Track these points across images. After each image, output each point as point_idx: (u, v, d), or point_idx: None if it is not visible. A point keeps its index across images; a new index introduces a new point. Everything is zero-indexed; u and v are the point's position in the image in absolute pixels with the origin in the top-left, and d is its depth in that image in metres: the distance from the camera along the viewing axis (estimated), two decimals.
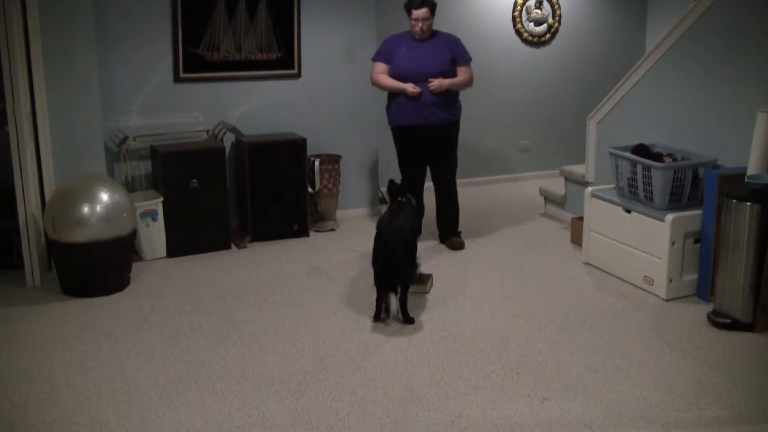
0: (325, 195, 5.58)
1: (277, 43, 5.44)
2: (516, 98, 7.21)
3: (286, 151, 5.29)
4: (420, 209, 5.06)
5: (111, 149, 5.05)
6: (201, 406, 3.08)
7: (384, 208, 4.78)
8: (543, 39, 7.20)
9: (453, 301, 4.20)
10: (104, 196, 4.25)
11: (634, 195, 4.41)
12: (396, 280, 3.83)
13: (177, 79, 5.22)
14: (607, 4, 7.40)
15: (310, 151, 5.44)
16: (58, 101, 4.54)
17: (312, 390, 3.20)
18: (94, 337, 3.75)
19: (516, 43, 7.11)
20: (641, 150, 4.43)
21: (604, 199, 4.60)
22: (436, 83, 4.81)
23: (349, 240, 5.35)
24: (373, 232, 4.08)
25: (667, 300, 4.16)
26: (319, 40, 5.59)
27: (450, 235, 5.25)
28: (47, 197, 4.46)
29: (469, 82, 5.00)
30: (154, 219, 4.87)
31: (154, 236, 4.90)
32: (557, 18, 7.20)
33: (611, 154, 4.56)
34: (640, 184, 4.32)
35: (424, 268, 4.46)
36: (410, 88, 4.84)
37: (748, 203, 3.68)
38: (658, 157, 4.35)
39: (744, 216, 3.71)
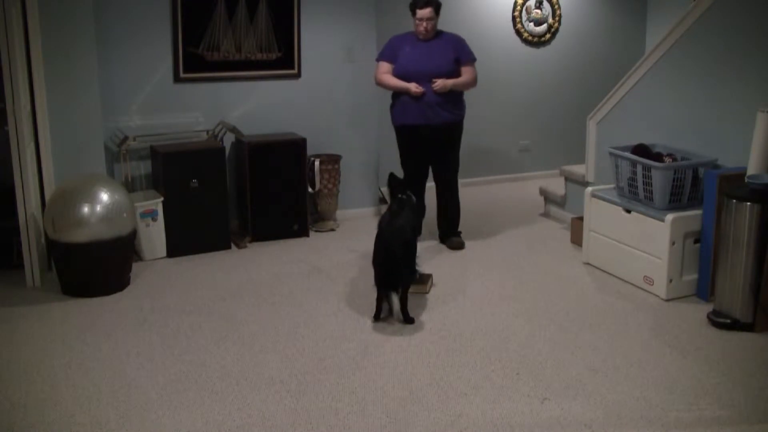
0: (325, 195, 5.59)
1: (277, 43, 5.44)
2: (516, 98, 7.21)
3: (286, 151, 5.29)
4: (421, 209, 5.06)
5: (111, 149, 5.05)
6: (201, 406, 3.08)
7: (384, 208, 4.78)
8: (543, 39, 7.20)
9: (453, 301, 4.20)
10: (104, 196, 4.25)
11: (634, 195, 4.41)
12: (396, 280, 3.83)
13: (177, 79, 5.22)
14: (607, 4, 7.40)
15: (310, 151, 5.44)
16: (58, 101, 4.54)
17: (312, 390, 3.20)
18: (94, 337, 3.75)
19: (516, 43, 7.11)
20: (641, 150, 4.43)
21: (604, 199, 4.60)
22: (439, 83, 4.82)
23: (349, 240, 5.35)
24: (374, 232, 4.08)
25: (667, 300, 4.16)
26: (319, 40, 5.59)
27: (450, 235, 5.25)
28: (47, 197, 4.46)
29: (473, 83, 5.00)
30: (154, 219, 4.87)
31: (154, 236, 4.90)
32: (557, 18, 7.20)
33: (611, 154, 4.56)
34: (640, 184, 4.32)
35: (424, 268, 4.46)
36: (414, 87, 4.84)
37: (748, 203, 3.68)
38: (658, 157, 4.35)
39: (744, 216, 3.71)
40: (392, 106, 5.08)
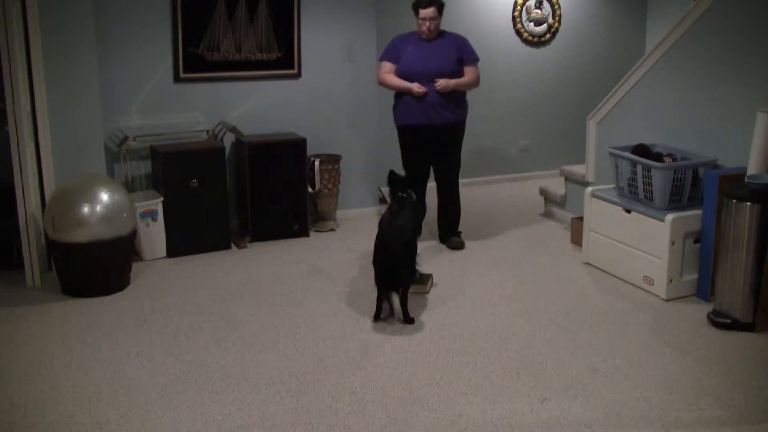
0: (325, 195, 5.59)
1: (277, 43, 5.44)
2: (516, 98, 7.21)
3: (286, 151, 5.29)
4: (421, 209, 5.06)
5: (111, 149, 5.05)
6: (201, 406, 3.08)
7: (384, 208, 4.77)
8: (543, 39, 7.20)
9: (453, 301, 4.20)
10: (104, 196, 4.25)
11: (634, 195, 4.41)
12: (397, 280, 3.83)
13: (177, 79, 5.22)
14: (607, 4, 7.40)
15: (310, 151, 5.44)
16: (58, 101, 4.54)
17: (312, 390, 3.20)
18: (94, 337, 3.75)
19: (516, 43, 7.11)
20: (641, 150, 4.43)
21: (604, 199, 4.60)
22: (442, 83, 4.81)
23: (349, 240, 5.35)
24: (374, 232, 4.08)
25: (667, 300, 4.16)
26: (319, 40, 5.59)
27: (450, 235, 5.25)
28: (47, 197, 4.46)
29: (475, 83, 5.00)
30: (154, 219, 4.87)
31: (154, 236, 4.90)
32: (557, 18, 7.20)
33: (611, 154, 4.56)
34: (640, 184, 4.32)
35: (424, 268, 4.46)
36: (416, 87, 4.84)
37: (748, 203, 3.68)
38: (658, 157, 4.35)
39: (744, 216, 3.71)
40: (395, 106, 5.08)
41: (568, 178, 5.75)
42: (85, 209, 4.18)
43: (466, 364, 3.44)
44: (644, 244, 4.27)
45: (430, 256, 4.96)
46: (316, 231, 5.57)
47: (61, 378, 3.32)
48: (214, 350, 3.60)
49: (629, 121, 4.99)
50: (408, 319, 3.86)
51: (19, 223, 4.33)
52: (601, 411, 3.02)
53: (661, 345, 3.62)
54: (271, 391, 3.19)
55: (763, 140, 3.81)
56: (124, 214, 4.33)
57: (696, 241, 4.17)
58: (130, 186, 5.04)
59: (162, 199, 4.89)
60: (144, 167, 5.20)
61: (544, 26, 7.17)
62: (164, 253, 4.96)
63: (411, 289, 3.95)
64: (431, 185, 5.22)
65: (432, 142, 4.99)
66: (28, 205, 4.32)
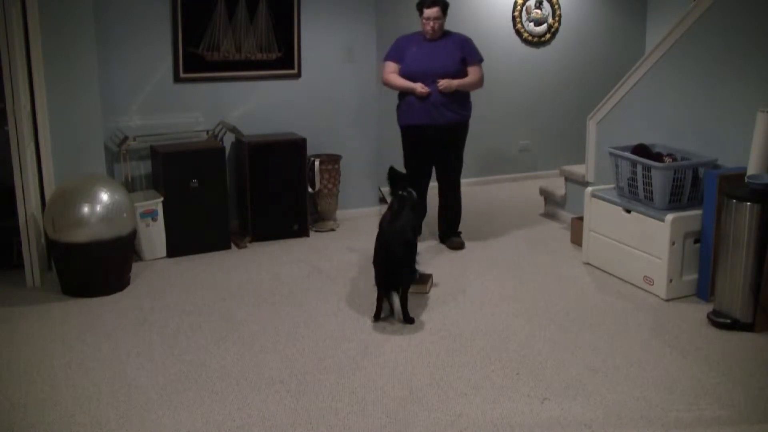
0: (325, 195, 5.59)
1: (277, 43, 5.44)
2: (516, 98, 7.21)
3: (286, 151, 5.29)
4: (422, 209, 5.06)
5: (111, 149, 5.05)
6: (201, 406, 3.08)
7: (384, 208, 4.77)
8: (543, 39, 7.20)
9: (453, 301, 4.20)
10: (104, 196, 4.25)
11: (634, 195, 4.41)
12: (397, 280, 3.83)
13: (177, 79, 5.22)
14: (607, 4, 7.40)
15: (310, 151, 5.44)
16: (58, 101, 4.54)
17: (312, 390, 3.20)
18: (94, 337, 3.75)
19: (516, 43, 7.11)
20: (641, 150, 4.43)
21: (604, 199, 4.60)
22: (444, 83, 4.81)
23: (349, 240, 5.35)
24: (374, 231, 4.08)
25: (667, 300, 4.16)
26: (319, 40, 5.59)
27: (450, 235, 5.25)
28: (47, 197, 4.46)
29: (478, 83, 4.99)
30: (154, 219, 4.87)
31: (154, 236, 4.90)
32: (557, 18, 7.20)
33: (611, 154, 4.56)
34: (640, 184, 4.32)
35: (424, 268, 4.46)
36: (419, 88, 4.84)
37: (748, 203, 3.68)
38: (658, 157, 4.35)
39: (744, 216, 3.71)
40: (398, 106, 5.08)
41: (568, 178, 5.75)
42: (85, 209, 4.18)
43: (466, 364, 3.44)
44: (644, 244, 4.27)
45: (430, 256, 4.96)
46: (316, 231, 5.57)
47: (61, 378, 3.32)
48: (214, 350, 3.60)
49: (629, 121, 4.99)
50: (408, 319, 3.86)
51: (19, 223, 4.33)
52: (601, 411, 3.02)
53: (661, 345, 3.62)
54: (271, 391, 3.19)
55: (763, 140, 3.81)
56: (124, 214, 4.33)
57: (696, 241, 4.17)
58: (130, 186, 5.04)
59: (162, 199, 4.89)
60: (144, 167, 5.20)
61: (544, 26, 7.17)
62: (164, 253, 4.96)
63: (411, 289, 3.95)
64: (433, 185, 5.22)
65: (434, 142, 4.99)
66: (28, 205, 4.32)
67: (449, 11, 5.01)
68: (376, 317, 3.90)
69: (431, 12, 4.85)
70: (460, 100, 4.95)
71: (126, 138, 5.01)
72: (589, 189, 4.77)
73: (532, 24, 7.10)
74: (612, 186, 4.70)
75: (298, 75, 5.58)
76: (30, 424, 2.94)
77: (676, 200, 4.22)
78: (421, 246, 4.75)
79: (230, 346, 3.64)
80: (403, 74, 4.94)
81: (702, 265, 4.16)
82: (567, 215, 5.66)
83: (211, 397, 3.15)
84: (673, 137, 4.60)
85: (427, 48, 4.93)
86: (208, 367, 3.42)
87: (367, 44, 5.74)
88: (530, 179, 7.23)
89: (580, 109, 6.52)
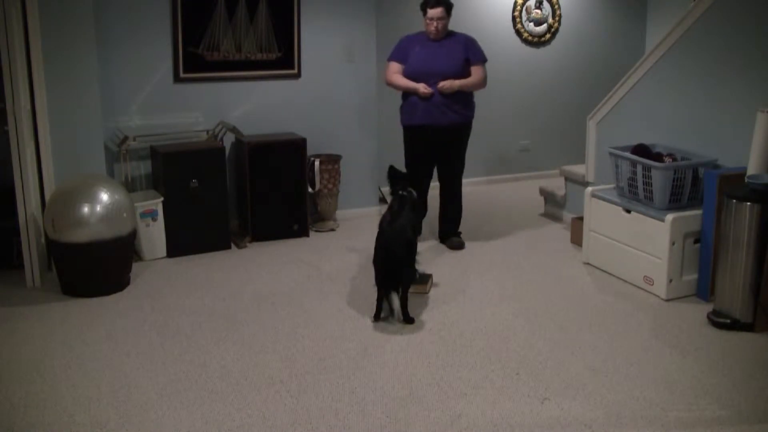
0: (325, 195, 5.59)
1: (277, 43, 5.44)
2: (516, 98, 7.21)
3: (286, 151, 5.29)
4: (422, 209, 5.06)
5: (111, 149, 5.05)
6: (201, 406, 3.08)
7: (384, 208, 4.77)
8: (543, 39, 7.20)
9: (453, 301, 4.20)
10: (104, 196, 4.25)
11: (634, 195, 4.41)
12: (397, 280, 3.83)
13: (177, 79, 5.22)
14: (607, 4, 7.40)
15: (310, 151, 5.44)
16: (58, 101, 4.54)
17: (312, 390, 3.20)
18: (94, 337, 3.75)
19: (516, 43, 7.11)
20: (641, 150, 4.43)
21: (604, 199, 4.60)
22: (446, 84, 4.81)
23: (349, 240, 5.35)
24: (374, 231, 4.08)
25: (667, 300, 4.16)
26: (319, 40, 5.59)
27: (450, 235, 5.25)
28: (47, 197, 4.46)
29: (480, 83, 4.98)
30: (154, 219, 4.87)
31: (154, 236, 4.90)
32: (557, 18, 7.20)
33: (611, 154, 4.56)
34: (640, 184, 4.32)
35: (424, 268, 4.46)
36: (422, 88, 4.83)
37: (748, 203, 3.68)
38: (658, 157, 4.35)
39: (744, 216, 3.71)
40: (401, 107, 5.07)
41: (568, 178, 5.75)
42: (85, 209, 4.18)
43: (466, 364, 3.44)
44: (644, 244, 4.27)
45: (430, 256, 4.96)
46: (316, 231, 5.57)
47: (61, 378, 3.32)
48: (214, 350, 3.60)
49: (629, 121, 4.99)
50: (408, 319, 3.86)
51: (19, 223, 4.33)
52: (601, 411, 3.02)
53: (661, 345, 3.62)
54: (271, 391, 3.19)
55: (763, 140, 3.81)
56: (124, 214, 4.33)
57: (696, 241, 4.17)
58: (130, 186, 5.04)
59: (162, 199, 4.89)
60: (144, 167, 5.20)
61: (544, 26, 7.17)
62: (164, 253, 4.96)
63: (411, 289, 3.95)
64: (434, 185, 5.22)
65: (437, 143, 4.99)
66: (28, 205, 4.32)
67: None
68: (376, 317, 3.90)
69: (435, 12, 4.85)
70: (464, 100, 4.95)
71: (126, 138, 5.01)
72: (589, 189, 4.77)
73: (532, 24, 7.10)
74: (612, 186, 4.70)
75: (298, 75, 5.58)
76: (30, 424, 2.94)
77: (676, 200, 4.22)
78: (421, 246, 4.75)
79: (230, 346, 3.64)
80: (407, 74, 4.94)
81: (702, 265, 4.16)
82: (567, 215, 5.66)
83: (211, 397, 3.15)
84: (673, 137, 4.60)
85: (431, 48, 4.92)
86: (208, 367, 3.42)
87: (367, 44, 5.74)
88: (530, 179, 7.23)
89: (580, 109, 6.51)
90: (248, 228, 5.31)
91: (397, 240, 3.89)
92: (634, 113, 4.96)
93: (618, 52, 7.38)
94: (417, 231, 4.57)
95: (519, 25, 7.06)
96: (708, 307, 3.97)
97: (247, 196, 5.24)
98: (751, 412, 3.01)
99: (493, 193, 6.89)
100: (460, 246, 5.18)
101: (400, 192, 4.31)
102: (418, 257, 4.09)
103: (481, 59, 4.97)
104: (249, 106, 5.47)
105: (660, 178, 4.17)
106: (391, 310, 3.86)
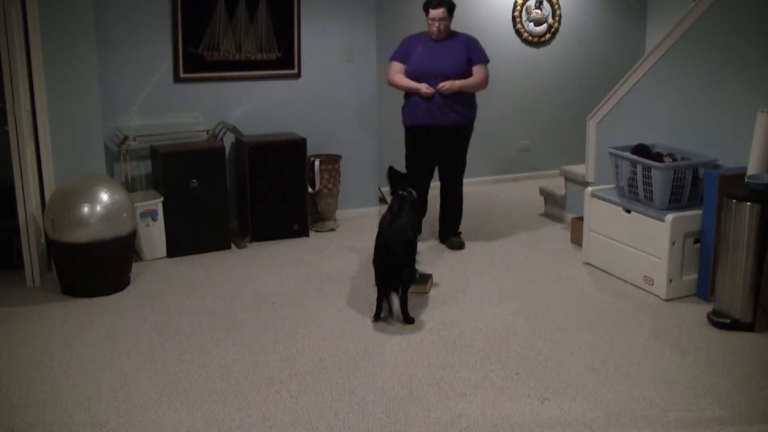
0: (325, 195, 5.59)
1: (277, 43, 5.44)
2: (516, 98, 7.21)
3: (286, 151, 5.29)
4: (422, 208, 5.05)
5: (111, 149, 5.05)
6: (201, 406, 3.08)
7: (384, 208, 4.77)
8: (543, 39, 7.20)
9: (453, 301, 4.20)
10: (104, 196, 4.25)
11: (634, 195, 4.41)
12: (397, 280, 3.83)
13: (177, 79, 5.22)
14: (607, 4, 7.40)
15: (310, 151, 5.44)
16: (58, 101, 4.54)
17: (312, 390, 3.20)
18: (94, 337, 3.75)
19: (516, 43, 7.11)
20: (641, 150, 4.43)
21: (604, 199, 4.60)
22: (446, 84, 4.81)
23: (349, 240, 5.35)
24: (374, 231, 4.08)
25: (667, 300, 4.16)
26: (319, 40, 5.59)
27: (450, 235, 5.25)
28: (47, 197, 4.46)
29: (481, 83, 4.97)
30: (154, 219, 4.87)
31: (154, 236, 4.90)
32: (557, 18, 7.20)
33: (611, 154, 4.56)
34: (640, 184, 4.32)
35: (424, 268, 4.46)
36: (424, 88, 4.83)
37: (748, 203, 3.68)
38: (658, 157, 4.35)
39: (744, 216, 3.71)
40: (403, 107, 5.07)
41: (568, 178, 5.75)
42: (85, 209, 4.18)
43: (466, 364, 3.44)
44: (644, 244, 4.27)
45: (430, 256, 4.96)
46: (316, 231, 5.57)
47: (61, 378, 3.32)
48: (214, 350, 3.60)
49: (629, 121, 4.99)
50: (408, 319, 3.86)
51: (19, 223, 4.33)
52: (601, 411, 3.02)
53: (661, 345, 3.62)
54: (271, 391, 3.19)
55: (763, 140, 3.81)
56: (124, 214, 4.33)
57: (696, 241, 4.17)
58: (130, 186, 5.04)
59: (162, 199, 4.89)
60: (144, 167, 5.20)
61: (544, 26, 7.17)
62: (164, 253, 4.96)
63: (411, 289, 3.95)
64: (434, 184, 5.22)
65: (438, 143, 4.99)
66: (28, 205, 4.32)
67: None
68: (376, 317, 3.90)
69: (437, 13, 4.85)
70: (465, 101, 4.95)
71: (126, 138, 5.01)
72: (589, 189, 4.77)
73: (532, 24, 7.10)
74: (612, 186, 4.70)
75: (298, 75, 5.58)
76: (30, 424, 2.94)
77: (676, 200, 4.22)
78: (421, 246, 4.75)
79: (230, 346, 3.64)
80: (409, 74, 4.93)
81: (702, 265, 4.16)
82: (567, 215, 5.66)
83: (211, 397, 3.15)
84: (673, 137, 4.60)
85: (433, 48, 4.92)
86: (208, 367, 3.42)
87: (367, 44, 5.74)
88: (530, 179, 7.23)
89: (580, 109, 6.52)
90: (248, 228, 5.31)
91: (397, 240, 3.89)
92: (634, 113, 4.96)
93: (618, 52, 7.38)
94: (417, 230, 4.57)
95: (519, 25, 7.06)
96: (708, 307, 3.97)
97: (247, 196, 5.24)
98: (751, 412, 3.01)
99: (493, 193, 6.89)
100: (460, 246, 5.18)
101: (400, 192, 4.31)
102: (418, 257, 4.09)
103: (483, 59, 4.97)
104: (249, 106, 5.47)
105: (660, 178, 4.17)
106: (391, 311, 3.86)
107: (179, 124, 5.26)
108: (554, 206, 5.96)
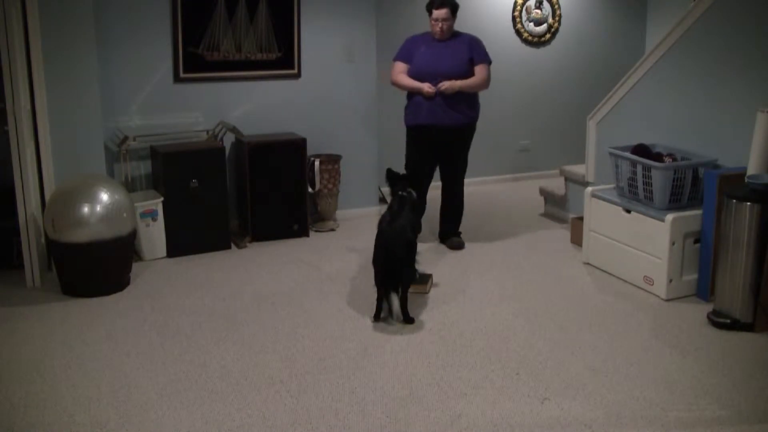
0: (325, 195, 5.59)
1: (277, 43, 5.44)
2: (516, 98, 7.21)
3: (286, 151, 5.29)
4: (421, 208, 5.05)
5: (111, 149, 5.05)
6: (201, 406, 3.08)
7: (384, 208, 4.77)
8: (543, 39, 7.20)
9: (453, 301, 4.20)
10: (104, 196, 4.25)
11: (634, 195, 4.41)
12: (397, 280, 3.83)
13: (177, 79, 5.22)
14: (607, 4, 7.40)
15: (310, 151, 5.44)
16: (58, 101, 4.54)
17: (312, 390, 3.20)
18: (94, 337, 3.75)
19: (516, 43, 7.11)
20: (641, 150, 4.43)
21: (604, 199, 4.60)
22: (447, 84, 4.80)
23: (349, 240, 5.35)
24: (374, 231, 4.08)
25: (667, 300, 4.16)
26: (319, 40, 5.59)
27: (450, 235, 5.25)
28: (47, 197, 4.46)
29: (482, 84, 4.97)
30: (154, 219, 4.87)
31: (154, 236, 4.90)
32: (557, 18, 7.20)
33: (611, 154, 4.56)
34: (640, 184, 4.32)
35: (424, 268, 4.46)
36: (426, 88, 4.83)
37: (748, 203, 3.68)
38: (658, 157, 4.35)
39: (744, 216, 3.71)
40: (406, 107, 5.07)
41: (568, 178, 5.75)
42: (85, 209, 4.18)
43: (466, 364, 3.44)
44: (644, 244, 4.27)
45: (430, 256, 4.96)
46: (316, 231, 5.57)
47: (61, 378, 3.32)
48: (214, 350, 3.60)
49: (629, 121, 4.99)
50: (408, 319, 3.86)
51: (19, 223, 4.33)
52: (601, 411, 3.02)
53: (661, 345, 3.62)
54: (271, 391, 3.19)
55: (763, 140, 3.81)
56: (124, 214, 4.33)
57: (696, 241, 4.17)
58: (130, 186, 5.04)
59: (162, 199, 4.89)
60: (144, 167, 5.20)
61: (544, 26, 7.17)
62: (164, 253, 4.96)
63: (411, 289, 3.95)
64: (434, 184, 5.21)
65: (440, 143, 4.99)
66: (28, 205, 4.32)
67: None
68: (376, 317, 3.90)
69: (440, 13, 4.85)
70: (468, 101, 4.94)
71: (126, 138, 5.01)
72: (589, 189, 4.77)
73: (532, 24, 7.10)
74: (612, 186, 4.70)
75: (298, 75, 5.58)
76: (30, 424, 2.94)
77: (676, 200, 4.22)
78: (421, 246, 4.75)
79: (230, 346, 3.64)
80: (412, 74, 4.93)
81: (702, 265, 4.16)
82: (567, 215, 5.66)
83: (211, 397, 3.15)
84: (673, 137, 4.60)
85: (436, 48, 4.92)
86: (208, 367, 3.42)
87: (367, 44, 5.74)
88: (530, 179, 7.23)
89: (580, 109, 6.52)
90: (248, 228, 5.31)
91: (397, 240, 3.89)
92: (634, 113, 4.96)
93: (618, 52, 7.38)
94: (417, 229, 4.57)
95: (519, 25, 7.06)
96: (708, 307, 3.97)
97: (247, 196, 5.24)
98: (751, 412, 3.01)
99: (493, 193, 6.89)
100: (460, 246, 5.18)
101: (400, 192, 4.31)
102: (418, 257, 4.09)
103: (485, 59, 4.97)
104: (249, 106, 5.47)
105: (660, 178, 4.17)
106: (391, 311, 3.86)
107: (179, 124, 5.26)
108: (554, 206, 5.96)
